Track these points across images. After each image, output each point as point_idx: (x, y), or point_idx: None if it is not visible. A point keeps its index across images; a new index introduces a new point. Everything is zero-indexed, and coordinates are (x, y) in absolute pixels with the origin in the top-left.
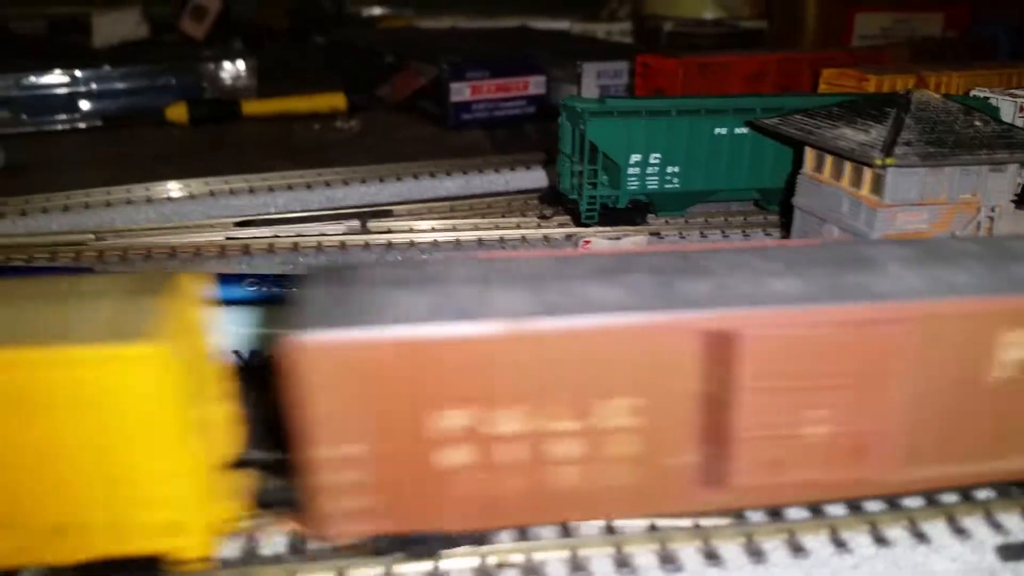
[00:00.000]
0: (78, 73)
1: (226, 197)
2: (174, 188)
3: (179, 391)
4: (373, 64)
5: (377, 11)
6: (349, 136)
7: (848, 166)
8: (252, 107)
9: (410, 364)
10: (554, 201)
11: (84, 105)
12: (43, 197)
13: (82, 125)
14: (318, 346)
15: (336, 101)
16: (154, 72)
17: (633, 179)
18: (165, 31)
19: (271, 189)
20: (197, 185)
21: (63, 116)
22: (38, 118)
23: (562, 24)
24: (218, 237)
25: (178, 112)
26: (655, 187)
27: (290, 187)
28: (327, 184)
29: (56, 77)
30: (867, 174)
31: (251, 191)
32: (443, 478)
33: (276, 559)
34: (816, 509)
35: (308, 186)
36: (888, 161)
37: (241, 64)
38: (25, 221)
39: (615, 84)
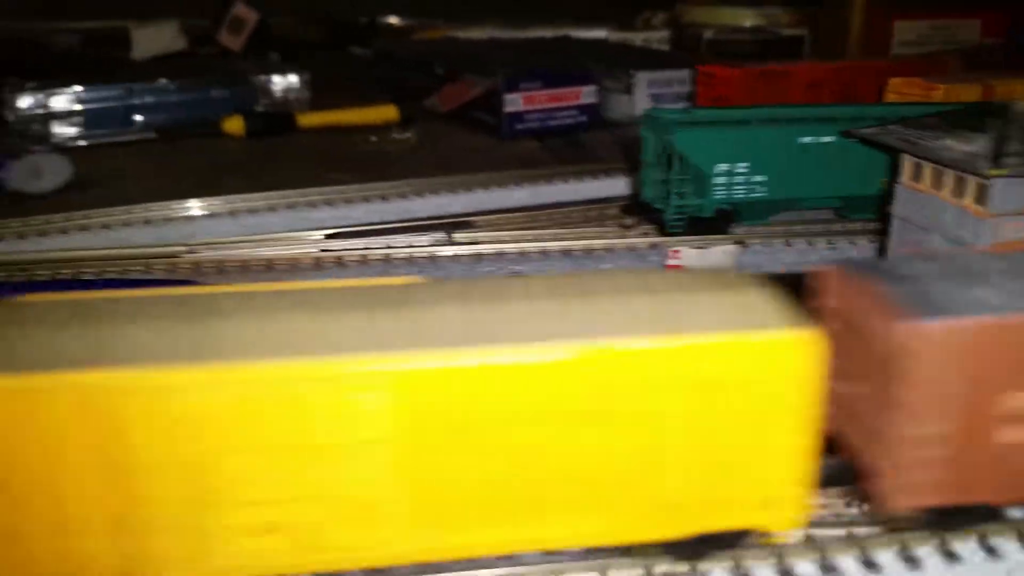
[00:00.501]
0: (134, 86)
1: (305, 210)
2: (254, 200)
3: (822, 373)
4: (420, 75)
5: (405, 22)
6: (407, 147)
7: (950, 176)
8: (307, 119)
9: (989, 348)
10: (636, 211)
11: (140, 118)
12: (123, 210)
13: (137, 137)
14: (928, 332)
15: (388, 113)
16: (209, 85)
17: (719, 188)
18: (203, 44)
19: (348, 201)
20: (275, 198)
21: (120, 129)
22: (95, 131)
23: (598, 33)
24: (310, 250)
25: (235, 124)
26: (741, 196)
27: (366, 199)
28: (402, 196)
29: (112, 90)
30: (970, 184)
31: (329, 203)
32: (1001, 453)
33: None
34: None
35: (383, 198)
36: (998, 172)
37: (294, 77)
38: (107, 234)
39: (666, 93)
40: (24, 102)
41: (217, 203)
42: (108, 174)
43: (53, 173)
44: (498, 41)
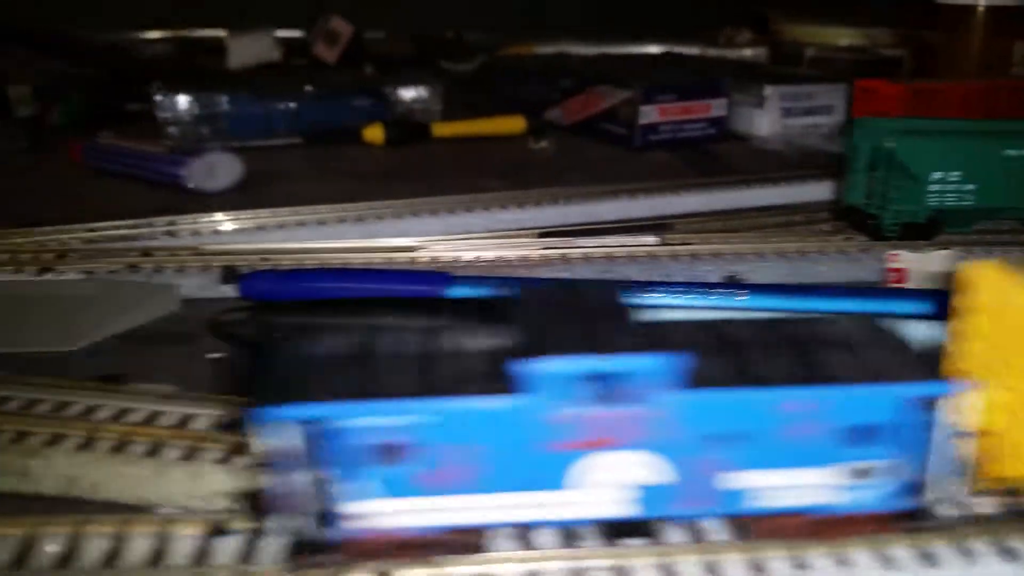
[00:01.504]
0: (281, 94)
1: (497, 212)
2: (452, 203)
3: None
4: (538, 88)
5: (488, 39)
6: (546, 156)
7: None
8: (441, 129)
9: None
10: (841, 216)
11: (286, 124)
12: (339, 207)
13: (284, 143)
14: None
15: (516, 124)
16: (349, 94)
17: (933, 195)
18: (297, 54)
19: (537, 203)
20: (464, 201)
21: (264, 133)
22: (242, 134)
23: (690, 49)
24: (530, 251)
25: (375, 133)
26: (951, 203)
27: (556, 201)
28: (585, 199)
29: (258, 97)
30: None
31: (520, 206)
32: None
33: None
34: None
35: (565, 200)
36: None
37: (426, 88)
38: (325, 229)
39: (796, 107)
40: (177, 104)
41: (420, 204)
42: (269, 175)
43: (226, 172)
44: (609, 56)
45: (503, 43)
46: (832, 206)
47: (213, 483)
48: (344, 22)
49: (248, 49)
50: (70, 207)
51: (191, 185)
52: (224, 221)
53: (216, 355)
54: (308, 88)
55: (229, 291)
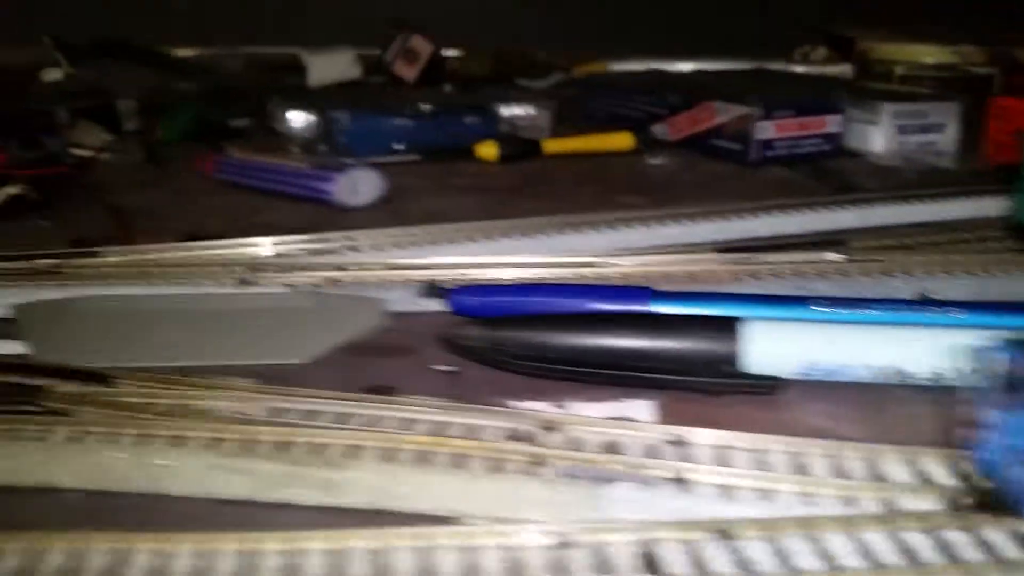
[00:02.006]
0: (400, 112)
1: (659, 227)
2: (612, 219)
3: None
4: (645, 103)
5: (558, 56)
6: (667, 172)
7: None
8: (552, 146)
9: None
10: (1018, 233)
11: (402, 140)
12: (493, 223)
13: (401, 159)
14: None
15: (625, 141)
16: (462, 112)
17: None
18: (376, 72)
19: (693, 219)
20: (627, 217)
21: (382, 150)
22: (360, 150)
23: (772, 66)
24: (712, 266)
25: (489, 150)
26: None
27: (675, 220)
28: (741, 214)
29: (376, 113)
30: None
31: (693, 219)
32: None
33: None
34: None
35: (721, 215)
36: None
37: (534, 106)
38: (492, 244)
39: (911, 124)
40: (298, 120)
41: (574, 219)
42: (397, 190)
43: (369, 188)
44: (711, 73)
45: (575, 61)
46: (1004, 222)
47: (524, 493)
48: (424, 40)
49: (329, 67)
50: (227, 221)
51: (337, 200)
52: (398, 236)
53: (446, 367)
54: (426, 106)
55: (431, 304)
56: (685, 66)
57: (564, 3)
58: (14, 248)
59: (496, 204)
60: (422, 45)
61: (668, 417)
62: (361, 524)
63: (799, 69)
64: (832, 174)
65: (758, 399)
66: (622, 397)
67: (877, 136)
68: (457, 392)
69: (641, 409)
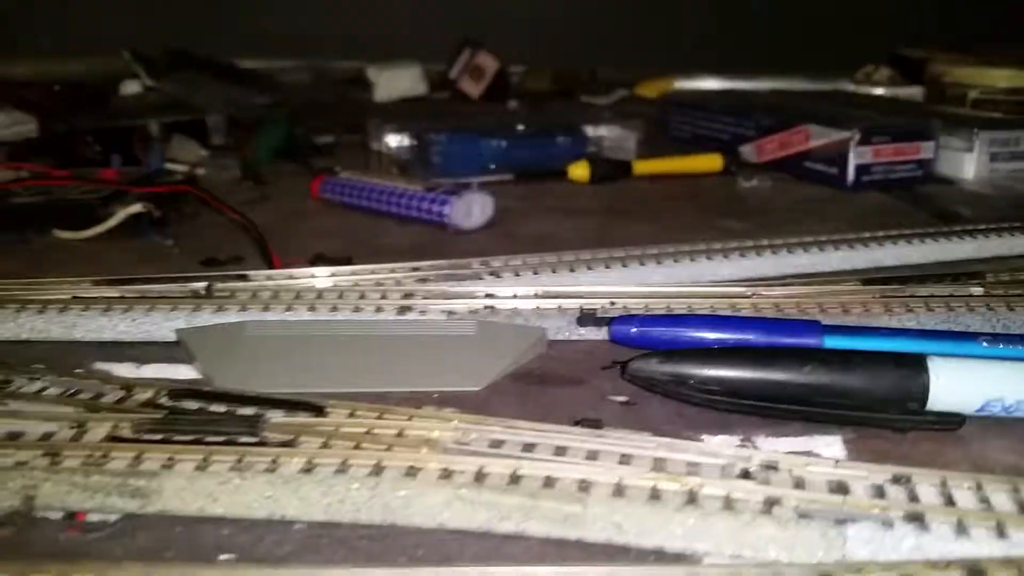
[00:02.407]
0: (495, 132)
1: (776, 256)
2: (728, 248)
3: None
4: (731, 124)
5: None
6: (763, 195)
7: None
8: (642, 167)
9: None
10: None
11: (497, 161)
12: (656, 250)
13: (496, 179)
14: None
15: (714, 162)
16: (554, 132)
17: None
18: (441, 88)
19: (789, 250)
20: (753, 245)
21: (475, 170)
22: (456, 171)
23: (835, 86)
24: (859, 298)
25: (581, 171)
26: None
27: (804, 248)
28: (867, 243)
29: (471, 134)
30: None
31: (772, 251)
32: None
33: None
34: None
35: (818, 247)
36: None
37: (621, 127)
38: (629, 272)
39: (1004, 152)
40: (396, 140)
41: (668, 249)
42: (499, 212)
43: (481, 210)
44: (782, 93)
45: (637, 78)
46: None
47: (759, 532)
48: (490, 57)
49: (396, 82)
50: (349, 243)
51: (451, 223)
52: (535, 263)
53: (621, 399)
54: (520, 127)
55: (588, 333)
56: (747, 84)
57: (624, 21)
58: (144, 268)
59: (601, 228)
60: (488, 62)
61: (857, 453)
62: (591, 558)
63: (874, 91)
64: (925, 200)
65: (942, 435)
66: (807, 432)
67: (969, 163)
68: (638, 423)
69: (830, 445)
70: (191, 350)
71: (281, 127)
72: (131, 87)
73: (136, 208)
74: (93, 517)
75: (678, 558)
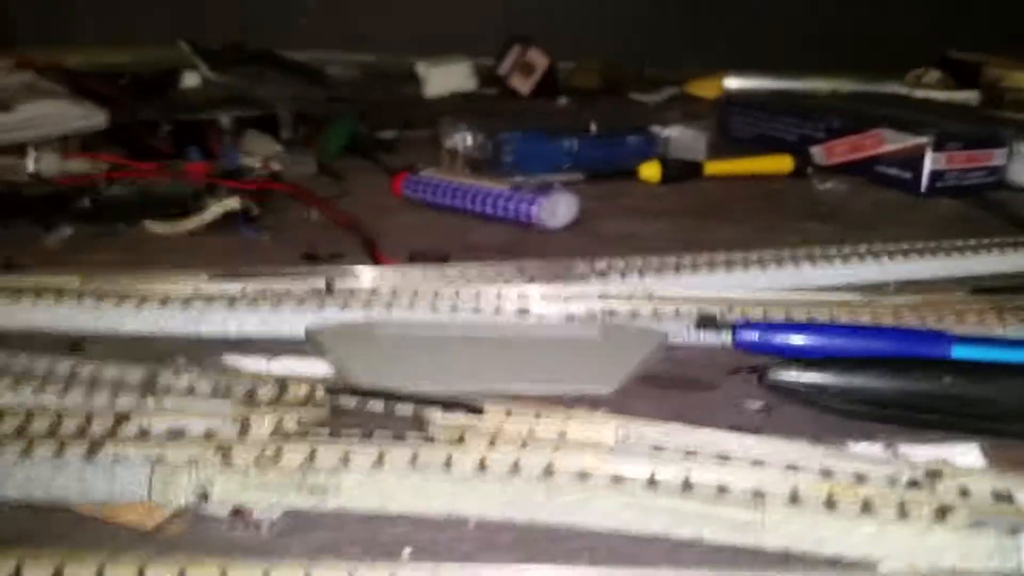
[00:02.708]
0: (568, 132)
1: (878, 263)
2: (827, 254)
3: None
4: (799, 126)
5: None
6: (837, 198)
7: None
8: (713, 168)
9: None
10: None
11: (568, 161)
12: (759, 255)
13: (567, 179)
14: None
15: (784, 163)
16: (625, 132)
17: None
18: (490, 84)
19: (889, 257)
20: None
21: (548, 170)
22: (529, 171)
23: (887, 88)
24: (975, 306)
25: (651, 171)
26: None
27: (904, 255)
28: (944, 253)
29: (545, 134)
30: None
31: (874, 257)
32: None
33: None
34: None
35: (917, 254)
36: None
37: (689, 127)
38: (730, 277)
39: None
40: (469, 138)
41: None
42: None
43: (566, 210)
44: (840, 95)
45: (685, 76)
46: None
47: (935, 541)
48: (541, 54)
49: (446, 78)
50: (441, 241)
51: (538, 222)
52: (648, 265)
53: (757, 405)
54: (593, 126)
55: (708, 337)
56: (796, 84)
57: (671, 19)
58: (244, 262)
59: (686, 229)
60: (538, 58)
61: (995, 462)
62: (770, 566)
63: (928, 94)
64: (998, 207)
65: None
66: (945, 441)
67: None
68: (778, 430)
69: (967, 454)
70: (323, 347)
71: (350, 123)
72: (191, 79)
73: (234, 203)
74: (260, 515)
75: (853, 566)
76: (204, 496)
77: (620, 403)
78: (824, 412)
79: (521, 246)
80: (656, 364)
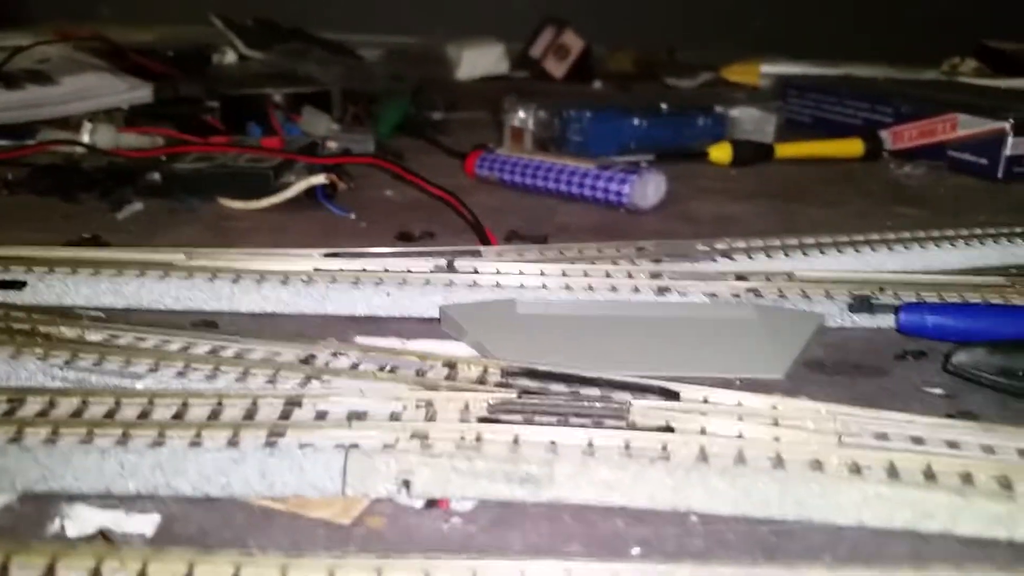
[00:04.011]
0: (637, 112)
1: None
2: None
3: None
4: (863, 109)
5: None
6: (920, 183)
7: None
8: (784, 151)
9: None
10: None
11: (638, 141)
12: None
13: (637, 159)
14: None
15: (855, 147)
16: (695, 113)
17: None
18: (523, 66)
19: (1009, 240)
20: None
21: (619, 149)
22: (598, 149)
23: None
24: None
25: (723, 152)
26: None
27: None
28: None
29: (617, 112)
30: None
31: (994, 241)
32: None
33: None
34: None
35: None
36: None
37: (759, 109)
38: (860, 257)
39: None
40: (525, 116)
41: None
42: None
43: (656, 190)
44: (891, 80)
45: (717, 60)
46: None
47: None
48: (576, 36)
49: (479, 60)
50: (531, 221)
51: (629, 203)
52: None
53: (938, 391)
54: (664, 106)
55: (863, 319)
56: (831, 70)
57: (703, 3)
58: (337, 240)
59: (778, 211)
60: (573, 41)
61: None
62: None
63: (974, 81)
64: None
65: None
66: None
67: None
68: (974, 413)
69: None
70: (460, 327)
71: (403, 102)
72: (228, 56)
73: (320, 179)
74: (456, 504)
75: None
76: (407, 486)
77: (792, 388)
78: (1010, 396)
79: (615, 227)
80: (816, 348)
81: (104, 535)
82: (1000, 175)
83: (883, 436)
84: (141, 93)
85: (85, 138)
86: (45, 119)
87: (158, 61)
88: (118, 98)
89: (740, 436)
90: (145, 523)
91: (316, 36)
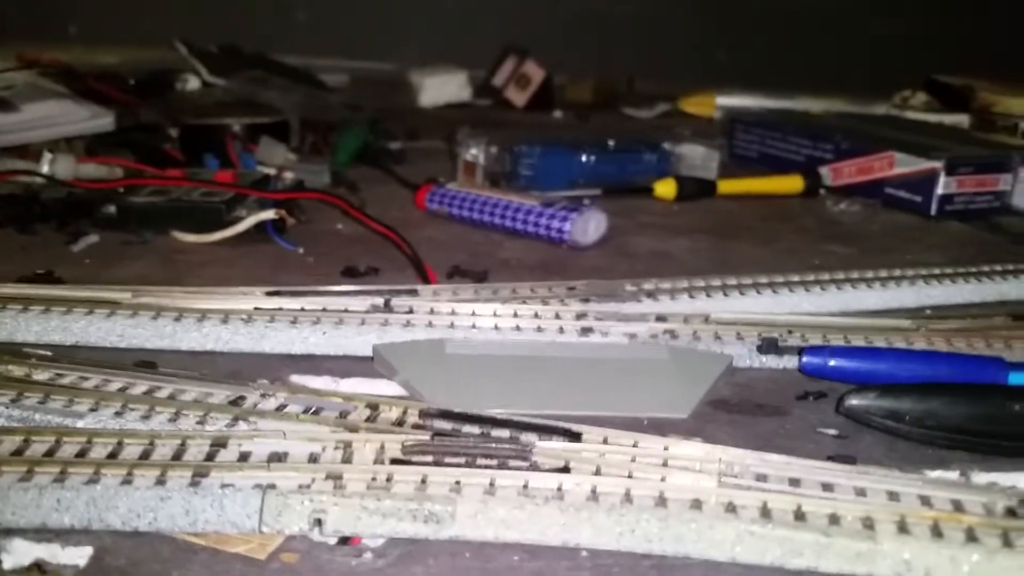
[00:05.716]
0: (586, 147)
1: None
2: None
3: None
4: (805, 146)
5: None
6: (853, 219)
7: None
8: (726, 187)
9: None
10: None
11: (585, 176)
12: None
13: (583, 193)
14: None
15: (795, 184)
16: (641, 149)
17: None
18: (486, 94)
19: (925, 282)
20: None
21: (565, 185)
22: (546, 186)
23: (875, 110)
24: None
25: (667, 188)
26: None
27: (938, 280)
28: (975, 279)
29: (564, 149)
30: None
31: (910, 283)
32: None
33: None
34: None
35: (951, 280)
36: None
37: (702, 144)
38: (778, 299)
39: None
40: (477, 151)
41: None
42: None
43: (596, 227)
44: (836, 114)
45: (674, 92)
46: None
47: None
48: (537, 66)
49: (442, 88)
50: (474, 257)
51: (571, 239)
52: (696, 286)
53: (832, 432)
54: (611, 142)
55: (770, 361)
56: (786, 103)
57: (660, 36)
58: (284, 276)
59: (714, 248)
60: (534, 71)
61: None
62: None
63: (916, 116)
64: (1003, 230)
65: None
66: (1015, 468)
67: None
68: (860, 458)
69: None
70: (392, 366)
71: (362, 131)
72: (191, 83)
73: (270, 214)
74: (368, 542)
75: None
76: (319, 524)
77: (695, 427)
78: (898, 438)
79: (555, 264)
80: (723, 388)
81: (39, 567)
82: (933, 212)
83: (762, 477)
84: (103, 121)
85: (45, 168)
86: (4, 146)
87: (120, 88)
88: (80, 126)
89: (630, 476)
90: (78, 555)
91: (279, 62)
